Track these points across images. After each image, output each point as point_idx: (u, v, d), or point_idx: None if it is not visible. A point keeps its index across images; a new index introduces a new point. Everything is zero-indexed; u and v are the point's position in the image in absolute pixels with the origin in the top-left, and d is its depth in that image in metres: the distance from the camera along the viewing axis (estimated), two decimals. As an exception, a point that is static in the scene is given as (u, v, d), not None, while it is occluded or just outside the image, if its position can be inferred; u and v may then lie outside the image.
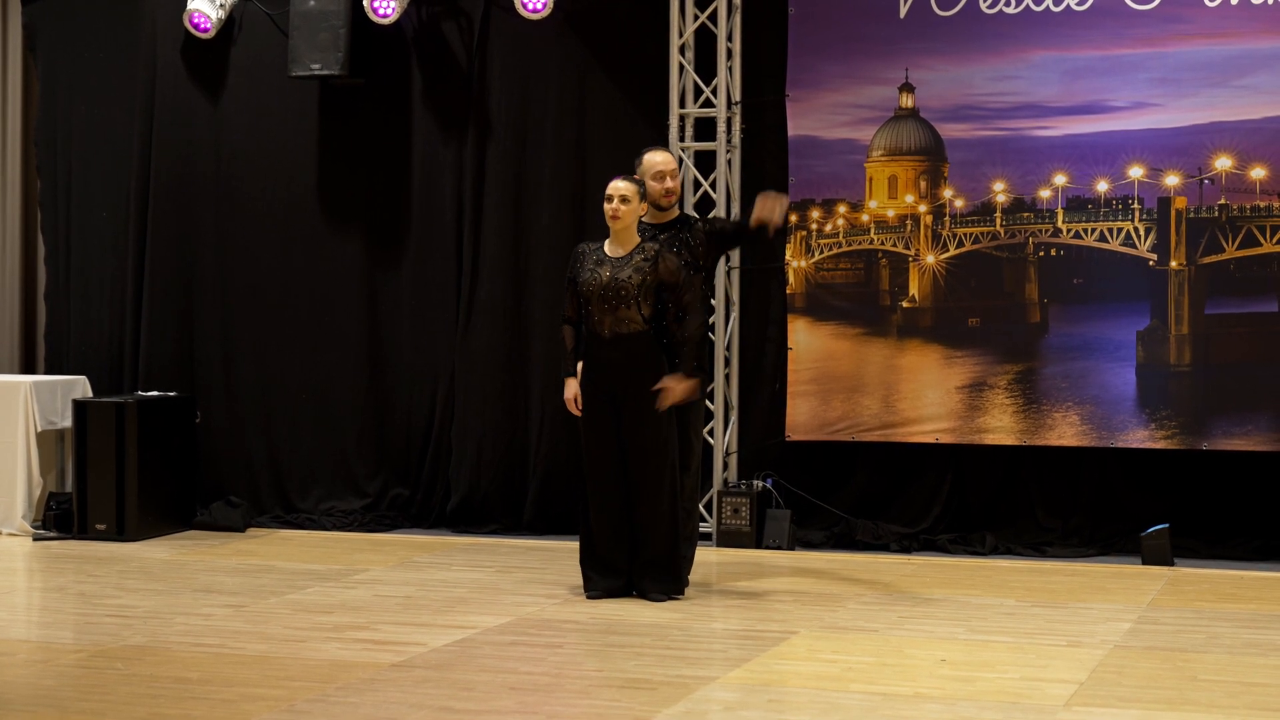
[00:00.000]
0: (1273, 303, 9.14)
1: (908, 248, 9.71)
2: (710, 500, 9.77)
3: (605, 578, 8.04)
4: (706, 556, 9.13)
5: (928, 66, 9.60)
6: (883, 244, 9.76)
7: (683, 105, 9.90)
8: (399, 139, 10.46)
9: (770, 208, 8.10)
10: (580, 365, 8.04)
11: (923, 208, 9.67)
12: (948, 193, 9.62)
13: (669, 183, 8.25)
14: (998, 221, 9.55)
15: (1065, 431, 9.40)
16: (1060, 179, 9.42)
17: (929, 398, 9.63)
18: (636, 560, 8.00)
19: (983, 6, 9.48)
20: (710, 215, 9.58)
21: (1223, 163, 9.13)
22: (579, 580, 8.17)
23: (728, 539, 9.62)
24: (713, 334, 9.61)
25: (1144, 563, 9.07)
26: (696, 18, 9.85)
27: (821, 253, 9.83)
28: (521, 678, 6.50)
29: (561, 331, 8.17)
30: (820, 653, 6.96)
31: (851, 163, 9.76)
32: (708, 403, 9.37)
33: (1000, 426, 9.51)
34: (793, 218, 9.78)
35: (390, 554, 9.49)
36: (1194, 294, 9.23)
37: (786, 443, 9.84)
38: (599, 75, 10.11)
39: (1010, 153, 9.50)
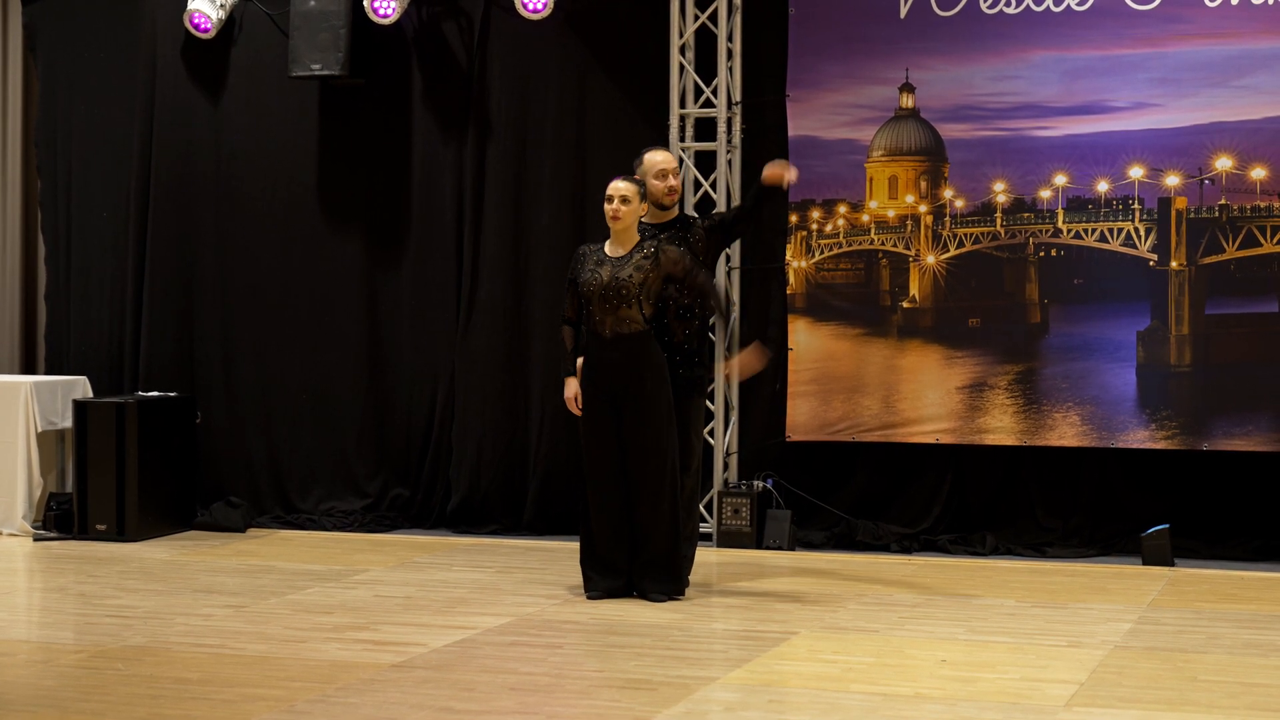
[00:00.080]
0: (1273, 303, 9.14)
1: (908, 248, 9.71)
2: (710, 500, 9.77)
3: (605, 578, 8.04)
4: (707, 557, 9.13)
5: (928, 66, 9.60)
6: (883, 244, 9.75)
7: (683, 105, 9.90)
8: (399, 139, 10.46)
9: (779, 171, 8.12)
10: (580, 364, 8.04)
11: (923, 208, 9.67)
12: (948, 193, 9.62)
13: (671, 180, 8.25)
14: (998, 222, 9.55)
15: (1066, 432, 9.40)
16: (1060, 179, 9.42)
17: (929, 398, 9.63)
18: (637, 560, 8.00)
19: (983, 6, 9.48)
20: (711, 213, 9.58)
21: (1223, 163, 9.13)
22: (579, 580, 8.17)
23: (728, 539, 9.62)
24: (713, 334, 9.60)
25: (1144, 563, 9.07)
26: (697, 18, 9.86)
27: (822, 253, 9.84)
28: (522, 678, 6.50)
29: (561, 332, 8.17)
30: (821, 653, 6.96)
31: (852, 163, 9.76)
32: (708, 403, 9.37)
33: (1000, 427, 9.51)
34: (793, 218, 9.79)
35: (390, 554, 9.49)
36: (1194, 294, 9.23)
37: (787, 443, 9.84)
38: (599, 75, 10.11)
39: (1010, 153, 9.50)
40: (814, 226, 9.82)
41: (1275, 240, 9.10)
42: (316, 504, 10.56)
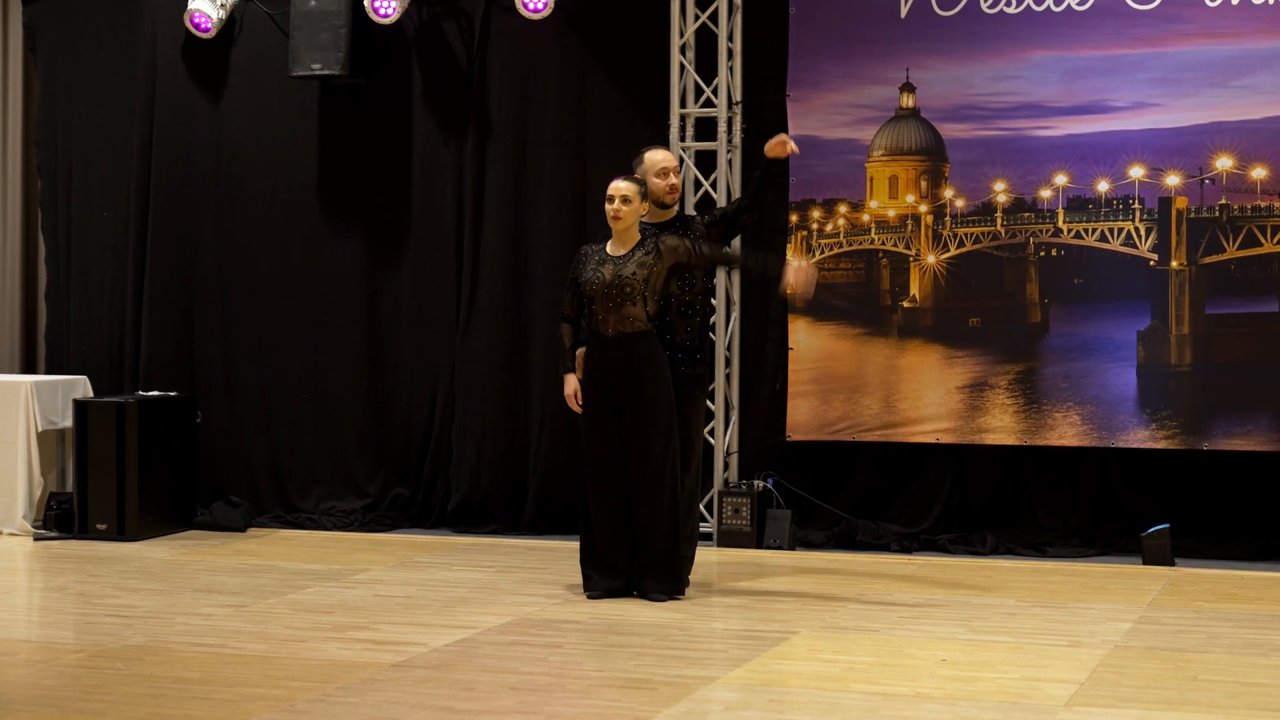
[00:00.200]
0: (1273, 303, 9.14)
1: (908, 248, 9.71)
2: (711, 500, 9.77)
3: (605, 577, 8.04)
4: (707, 556, 9.13)
5: (928, 66, 9.60)
6: (883, 244, 9.75)
7: (683, 105, 9.90)
8: (399, 139, 10.46)
9: (781, 146, 8.12)
10: (580, 357, 8.04)
11: (923, 208, 9.67)
12: (948, 193, 9.62)
13: (672, 179, 8.25)
14: (998, 221, 9.55)
15: (1066, 431, 9.40)
16: (1061, 179, 9.42)
17: (929, 398, 9.63)
18: (637, 560, 8.00)
19: (983, 6, 9.48)
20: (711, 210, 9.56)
21: (1223, 163, 9.13)
22: (579, 580, 8.17)
23: (728, 539, 9.62)
24: (713, 334, 9.61)
25: (1144, 563, 9.07)
26: (697, 18, 9.86)
27: (822, 253, 9.83)
28: (522, 678, 6.50)
29: (560, 329, 8.18)
30: (821, 653, 6.96)
31: (852, 163, 9.76)
32: (708, 403, 9.37)
33: (1001, 426, 9.51)
34: (793, 217, 9.79)
35: (390, 554, 9.49)
36: (1194, 294, 9.23)
37: (787, 443, 9.84)
38: (599, 75, 10.11)
39: (1011, 153, 9.50)
40: (814, 226, 9.81)
41: (1275, 240, 9.10)
42: (317, 504, 10.57)
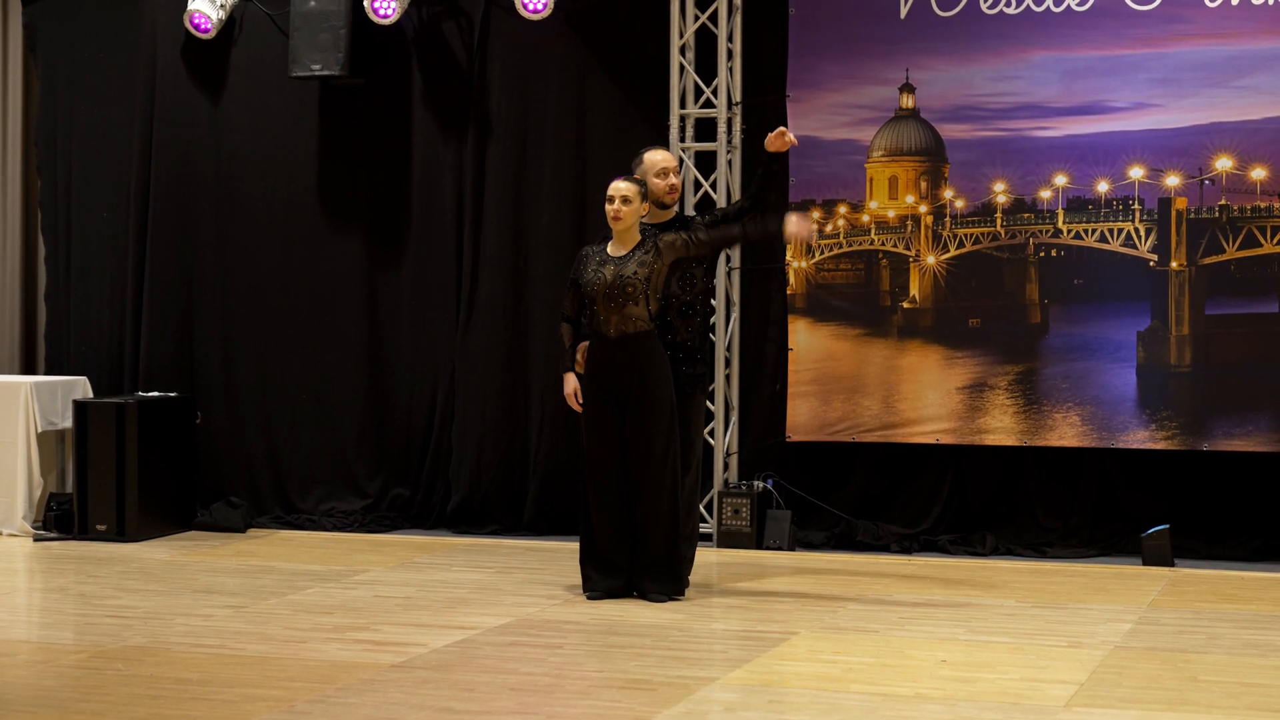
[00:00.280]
0: (1273, 303, 9.14)
1: (908, 248, 9.71)
2: (711, 501, 9.77)
3: (606, 577, 8.04)
4: (707, 557, 9.13)
5: (928, 67, 9.60)
6: (883, 244, 9.76)
7: (683, 106, 9.90)
8: (399, 139, 10.46)
9: (781, 141, 8.11)
10: (582, 350, 8.04)
11: (923, 208, 9.67)
12: (948, 193, 9.62)
13: (672, 179, 8.25)
14: (998, 222, 9.55)
15: (1066, 432, 9.40)
16: (1061, 179, 9.42)
17: (929, 398, 9.63)
18: (637, 560, 8.00)
19: (983, 7, 9.48)
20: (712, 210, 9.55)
21: (1223, 163, 9.13)
22: (579, 580, 8.17)
23: (728, 540, 9.62)
24: (713, 334, 9.61)
25: (1144, 563, 9.07)
26: (697, 18, 9.86)
27: (822, 253, 9.83)
28: (522, 678, 6.50)
29: (560, 329, 8.18)
30: (821, 653, 6.96)
31: (852, 163, 9.76)
32: (708, 403, 9.36)
33: (1000, 427, 9.51)
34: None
35: (390, 555, 9.49)
36: (1194, 294, 9.23)
37: (787, 443, 9.84)
38: (599, 75, 10.11)
39: (1010, 153, 9.50)
40: (814, 227, 9.81)
41: (1275, 240, 9.10)
42: (316, 504, 10.57)
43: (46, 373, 10.98)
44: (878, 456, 9.79)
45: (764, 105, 9.87)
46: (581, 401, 8.01)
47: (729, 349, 9.89)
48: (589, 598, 8.02)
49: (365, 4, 10.02)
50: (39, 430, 10.15)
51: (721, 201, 9.73)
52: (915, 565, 9.16)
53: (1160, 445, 9.27)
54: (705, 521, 9.61)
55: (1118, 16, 9.27)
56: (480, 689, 6.33)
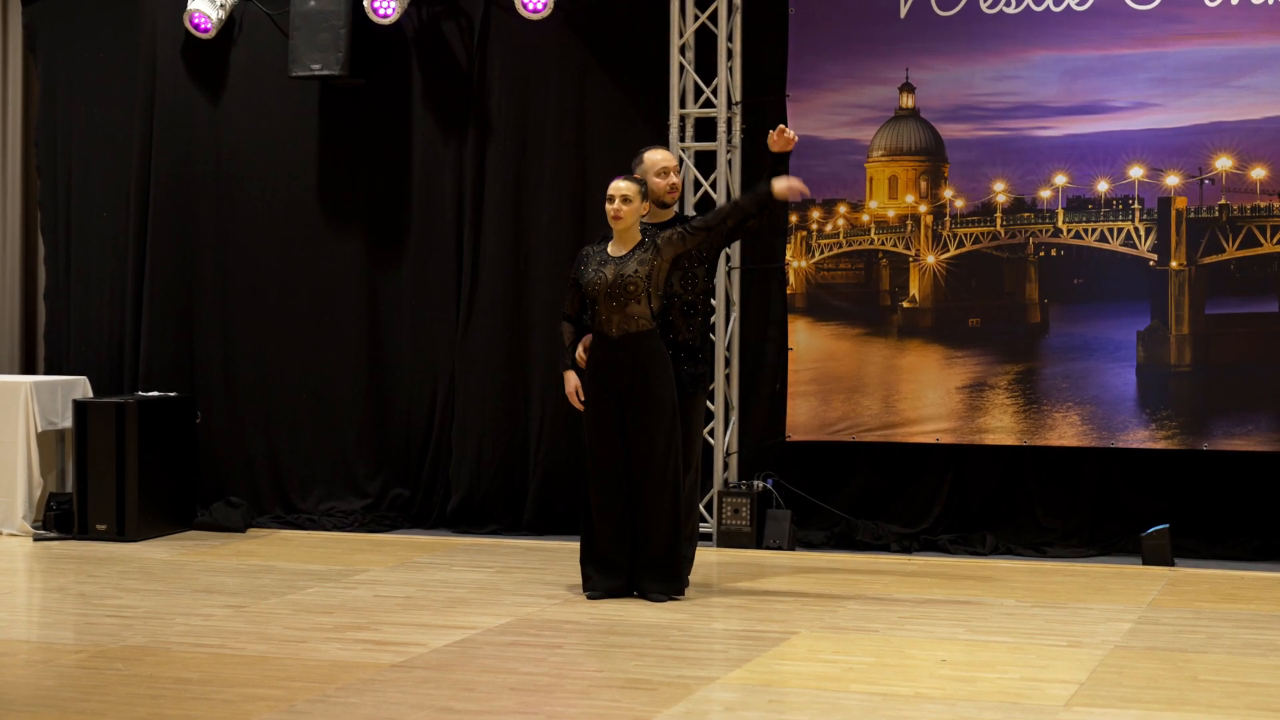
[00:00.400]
0: (1273, 303, 9.14)
1: (908, 248, 9.71)
2: (711, 500, 9.77)
3: (606, 577, 8.04)
4: (707, 557, 9.13)
5: (928, 66, 9.60)
6: (883, 244, 9.75)
7: (683, 105, 9.90)
8: (399, 139, 10.46)
9: (780, 136, 8.08)
10: (584, 343, 8.03)
11: (923, 208, 9.67)
12: (948, 193, 9.62)
13: (673, 178, 8.26)
14: (998, 222, 9.55)
15: (1066, 432, 9.40)
16: (1060, 179, 9.42)
17: (929, 398, 9.63)
18: (637, 560, 8.00)
19: (983, 6, 9.48)
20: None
21: (1223, 163, 9.13)
22: (579, 580, 8.17)
23: (728, 539, 9.62)
24: (713, 334, 9.60)
25: (1144, 563, 9.07)
26: (697, 18, 9.86)
27: (822, 253, 9.84)
28: (522, 678, 6.50)
29: (561, 328, 8.18)
30: (821, 653, 6.96)
31: (852, 163, 9.76)
32: (708, 403, 9.36)
33: (1000, 427, 9.51)
34: (793, 218, 9.79)
35: (390, 554, 9.49)
36: (1194, 294, 9.23)
37: (787, 443, 9.84)
38: (599, 75, 10.11)
39: (1010, 153, 9.50)
40: (814, 226, 9.81)
41: (1275, 240, 9.10)
42: (316, 504, 10.57)
43: (46, 373, 10.98)
44: (878, 456, 9.79)
45: (764, 105, 9.87)
46: (583, 400, 8.01)
47: (729, 349, 9.89)
48: (589, 597, 8.02)
49: (365, 4, 10.02)
50: (39, 430, 10.15)
51: (721, 201, 9.72)
52: (915, 565, 9.16)
53: (1160, 445, 9.27)
54: (705, 521, 9.61)
55: (1118, 16, 9.27)
56: (480, 689, 6.33)
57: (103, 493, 9.89)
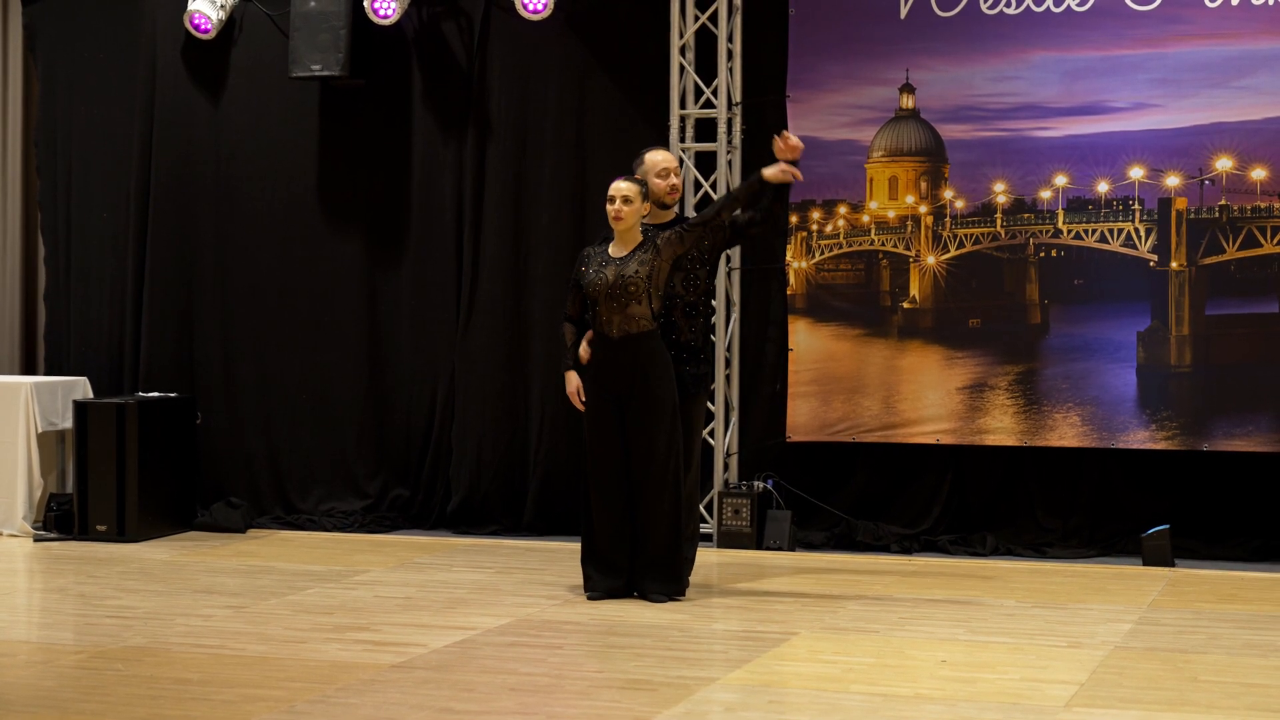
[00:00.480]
0: (1273, 303, 9.14)
1: (908, 248, 9.71)
2: (711, 501, 9.77)
3: (606, 577, 8.04)
4: (707, 557, 9.13)
5: (928, 67, 9.60)
6: (883, 245, 9.75)
7: (683, 106, 9.90)
8: (399, 139, 10.46)
9: (784, 141, 8.07)
10: (586, 339, 8.03)
11: (923, 208, 9.67)
12: (948, 193, 9.62)
13: (674, 179, 8.26)
14: (998, 222, 9.55)
15: (1066, 432, 9.40)
16: (1061, 180, 9.42)
17: (929, 399, 9.63)
18: (637, 560, 8.00)
19: (983, 7, 9.48)
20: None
21: (1223, 163, 9.13)
22: (579, 580, 8.17)
23: (728, 540, 9.62)
24: (713, 335, 9.60)
25: (1144, 563, 9.07)
26: (697, 18, 9.86)
27: (822, 253, 9.83)
28: (522, 679, 6.50)
29: (562, 328, 8.18)
30: (821, 654, 6.96)
31: (852, 163, 9.76)
32: (708, 403, 9.36)
33: (1001, 427, 9.51)
34: (793, 218, 9.78)
35: (390, 555, 9.49)
36: (1194, 295, 9.23)
37: (787, 443, 9.84)
38: (599, 75, 10.11)
39: (1011, 153, 9.50)
40: (814, 227, 9.81)
41: (1275, 241, 9.10)
42: (316, 504, 10.57)
43: (46, 373, 10.98)
44: (878, 456, 9.79)
45: (764, 105, 9.87)
46: (584, 400, 8.01)
47: (729, 349, 9.89)
48: (589, 598, 8.02)
49: (365, 4, 10.02)
50: (39, 430, 10.15)
51: (721, 202, 9.74)
52: (915, 565, 9.15)
53: (1160, 445, 9.27)
54: (705, 522, 9.61)
55: (1118, 17, 9.27)
56: (480, 689, 6.33)
57: (103, 493, 9.89)
